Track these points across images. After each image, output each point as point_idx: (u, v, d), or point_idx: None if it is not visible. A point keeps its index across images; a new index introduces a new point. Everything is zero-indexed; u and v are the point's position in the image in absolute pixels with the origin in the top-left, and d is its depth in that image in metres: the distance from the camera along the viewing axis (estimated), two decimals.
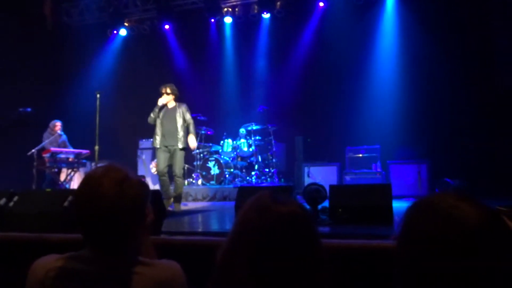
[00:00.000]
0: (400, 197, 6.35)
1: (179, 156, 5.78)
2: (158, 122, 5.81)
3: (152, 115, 5.85)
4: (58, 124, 7.39)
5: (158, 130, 5.80)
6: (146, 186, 1.34)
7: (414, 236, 0.88)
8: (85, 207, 1.24)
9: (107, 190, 1.22)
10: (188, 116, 5.90)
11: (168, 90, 5.81)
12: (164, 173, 5.75)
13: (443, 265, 0.81)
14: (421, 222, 0.88)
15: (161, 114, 5.82)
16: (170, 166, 5.85)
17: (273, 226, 0.97)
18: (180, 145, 5.75)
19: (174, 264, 1.31)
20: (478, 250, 0.80)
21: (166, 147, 5.79)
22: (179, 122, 5.79)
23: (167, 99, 5.81)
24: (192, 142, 5.92)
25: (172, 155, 5.79)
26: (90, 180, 1.27)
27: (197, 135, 8.41)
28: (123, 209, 1.23)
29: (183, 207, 5.97)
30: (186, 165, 8.68)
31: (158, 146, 5.80)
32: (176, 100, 5.93)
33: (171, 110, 5.87)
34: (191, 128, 5.92)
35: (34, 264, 1.29)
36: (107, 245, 1.26)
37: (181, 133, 5.76)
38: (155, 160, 8.25)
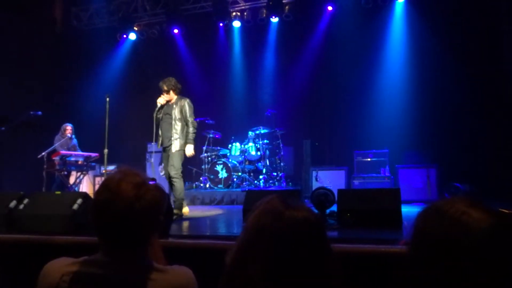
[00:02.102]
0: (409, 202, 6.31)
1: (175, 156, 5.13)
2: (160, 122, 5.37)
3: (154, 115, 5.39)
4: (68, 128, 7.46)
5: (159, 131, 5.36)
6: (163, 190, 1.36)
7: (425, 241, 0.89)
8: (104, 210, 1.26)
9: (126, 193, 1.24)
10: (188, 114, 5.20)
11: (165, 87, 5.25)
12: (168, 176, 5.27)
13: (454, 269, 0.81)
14: (431, 227, 0.89)
15: (161, 113, 5.35)
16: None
17: (287, 231, 0.98)
18: (173, 148, 5.13)
19: (187, 270, 1.32)
20: (488, 255, 0.81)
21: (165, 148, 5.32)
22: (174, 120, 5.19)
23: (164, 98, 5.30)
24: (188, 149, 5.17)
25: (168, 155, 5.23)
26: (109, 184, 1.29)
27: (205, 139, 8.49)
28: (140, 213, 1.25)
29: (190, 211, 5.80)
30: (194, 169, 8.72)
31: (159, 148, 5.44)
32: (177, 94, 5.36)
33: (169, 107, 5.30)
34: (190, 130, 5.19)
35: (46, 267, 1.30)
36: (123, 249, 1.27)
37: (176, 133, 5.17)
38: (163, 164, 8.31)
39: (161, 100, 5.31)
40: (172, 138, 5.16)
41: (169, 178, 5.20)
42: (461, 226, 0.84)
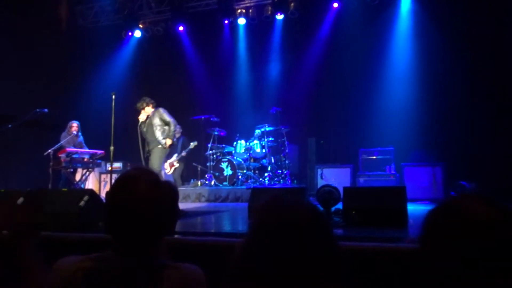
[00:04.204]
0: (414, 200, 6.28)
1: (154, 154, 6.00)
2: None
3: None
4: (74, 125, 7.49)
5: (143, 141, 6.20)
6: (176, 189, 1.37)
7: (437, 239, 0.88)
8: (120, 206, 1.27)
9: (142, 190, 1.26)
10: (166, 118, 6.09)
11: (143, 105, 6.16)
12: None
13: (466, 266, 0.81)
14: (443, 225, 0.89)
15: (146, 123, 6.16)
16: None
17: (290, 229, 0.98)
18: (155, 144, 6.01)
19: (197, 268, 1.33)
20: (501, 251, 0.80)
21: (148, 151, 6.12)
22: (155, 125, 6.05)
23: (142, 116, 6.18)
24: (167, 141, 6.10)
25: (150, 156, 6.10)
26: (125, 181, 1.30)
27: (210, 136, 8.51)
28: (156, 210, 1.27)
29: (195, 208, 6.03)
30: (200, 166, 8.74)
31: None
32: (153, 107, 6.20)
33: (150, 118, 6.18)
34: (171, 128, 6.09)
35: (58, 263, 1.30)
36: (136, 246, 1.28)
37: (157, 134, 6.02)
38: (169, 161, 8.35)
39: (141, 117, 6.18)
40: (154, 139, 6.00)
41: None
42: (474, 223, 0.84)
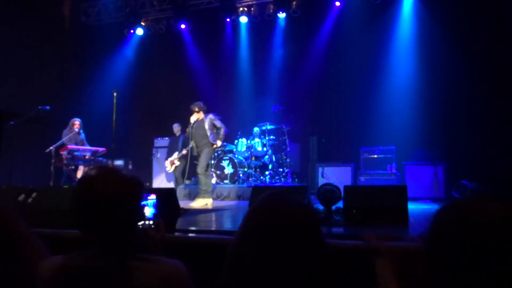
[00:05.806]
0: (415, 199, 6.28)
1: (204, 155, 6.59)
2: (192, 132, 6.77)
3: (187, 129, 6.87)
4: (76, 123, 7.49)
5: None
6: (140, 183, 1.40)
7: (446, 239, 0.88)
8: (85, 206, 1.31)
9: (104, 188, 1.29)
10: (217, 124, 6.84)
11: (196, 109, 6.75)
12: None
13: (476, 266, 0.81)
14: (452, 225, 0.88)
15: (194, 126, 6.74)
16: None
17: (280, 226, 0.99)
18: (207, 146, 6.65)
19: (178, 262, 1.35)
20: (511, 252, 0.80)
21: (198, 151, 6.72)
22: (207, 129, 6.69)
23: (193, 118, 6.73)
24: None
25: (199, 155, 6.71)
26: (87, 181, 1.34)
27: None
28: (120, 206, 1.30)
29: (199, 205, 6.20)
30: None
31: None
32: (203, 112, 6.82)
33: (200, 121, 6.77)
34: (221, 132, 6.87)
35: (40, 265, 1.36)
36: (108, 241, 1.31)
37: (210, 136, 6.65)
38: (170, 159, 8.36)
39: (194, 118, 6.71)
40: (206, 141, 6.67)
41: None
42: (483, 222, 0.84)
